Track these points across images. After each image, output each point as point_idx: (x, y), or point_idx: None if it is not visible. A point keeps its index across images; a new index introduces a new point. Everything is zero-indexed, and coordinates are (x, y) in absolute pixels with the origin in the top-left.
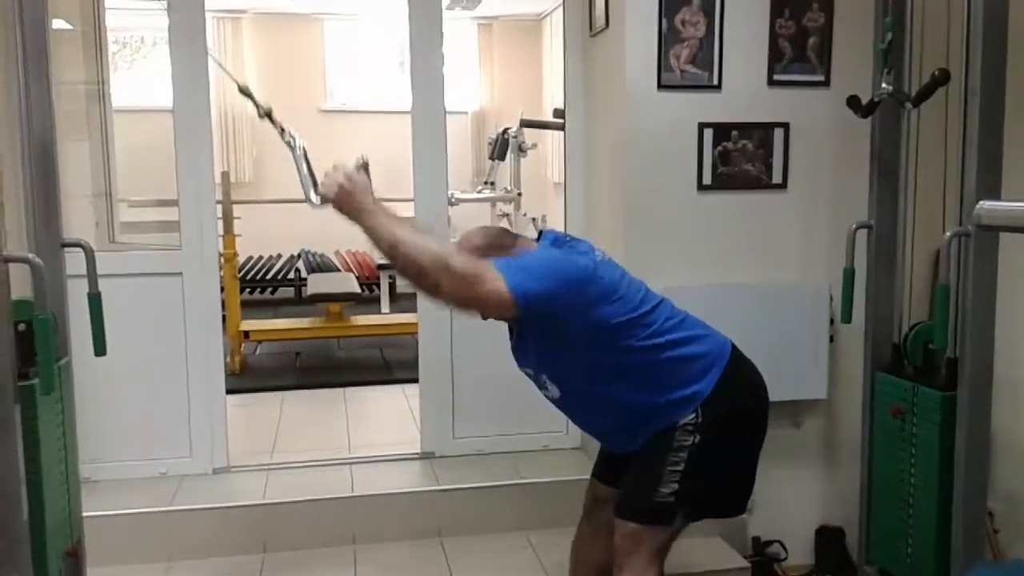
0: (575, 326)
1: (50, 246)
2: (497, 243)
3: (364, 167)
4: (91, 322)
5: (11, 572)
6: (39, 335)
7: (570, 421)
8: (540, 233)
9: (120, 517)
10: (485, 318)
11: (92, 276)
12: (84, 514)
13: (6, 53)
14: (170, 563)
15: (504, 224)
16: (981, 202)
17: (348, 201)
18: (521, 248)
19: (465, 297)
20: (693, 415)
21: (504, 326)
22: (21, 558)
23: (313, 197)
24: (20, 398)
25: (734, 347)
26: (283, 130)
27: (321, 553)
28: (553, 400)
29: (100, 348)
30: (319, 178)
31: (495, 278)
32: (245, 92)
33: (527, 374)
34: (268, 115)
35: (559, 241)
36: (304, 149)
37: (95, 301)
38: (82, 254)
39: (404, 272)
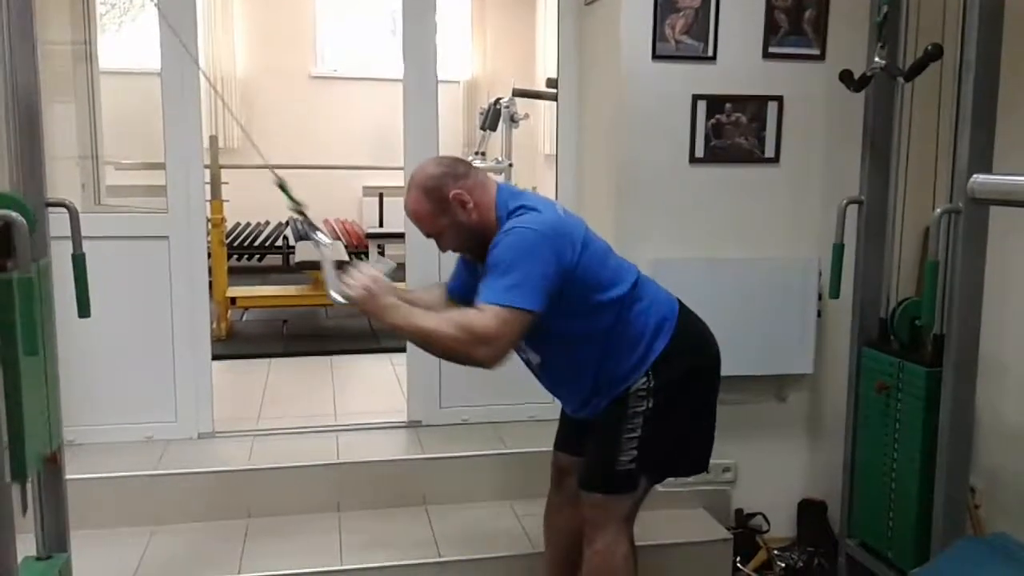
0: (558, 291)
1: (34, 206)
2: (452, 172)
3: (390, 272)
4: (75, 284)
5: None
6: (22, 297)
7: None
8: (499, 188)
9: (105, 480)
10: (445, 245)
11: (76, 237)
12: (69, 476)
13: None
14: (155, 527)
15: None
16: (975, 175)
17: (373, 303)
18: (475, 178)
19: (501, 349)
20: (644, 379)
21: None
22: (3, 523)
23: (337, 296)
24: None
25: (682, 306)
26: (314, 228)
27: (305, 519)
28: (531, 367)
29: (84, 310)
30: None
31: (511, 315)
32: (281, 187)
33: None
34: (301, 211)
35: (517, 210)
36: (332, 248)
37: (79, 262)
38: (67, 215)
39: (440, 356)
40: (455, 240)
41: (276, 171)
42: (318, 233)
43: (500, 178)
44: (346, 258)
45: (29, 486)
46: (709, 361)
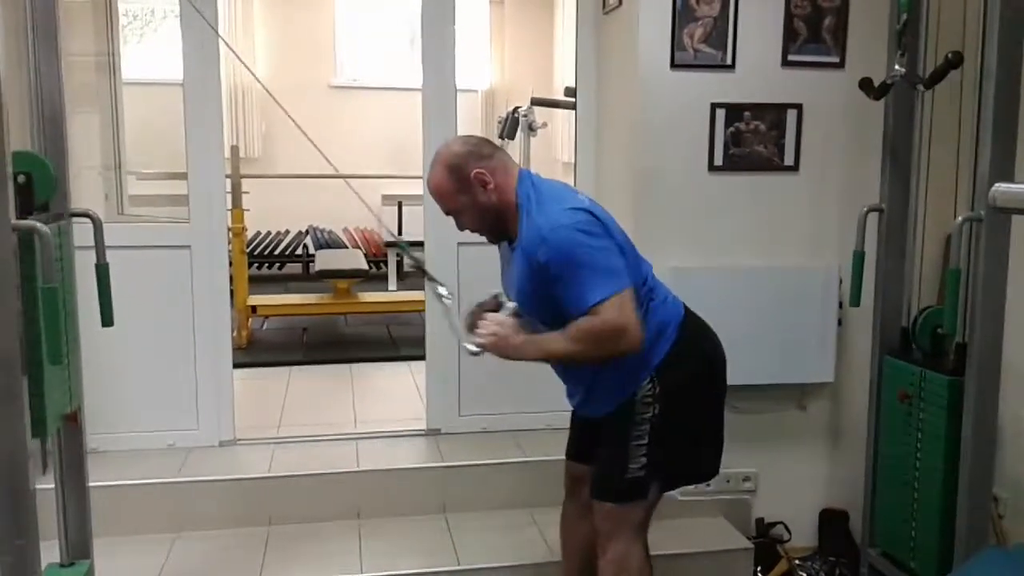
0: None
1: (58, 216)
2: (477, 152)
3: (514, 311)
4: (99, 293)
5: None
6: (46, 304)
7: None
8: (521, 174)
9: (127, 488)
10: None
11: (100, 246)
12: (92, 483)
13: (16, 24)
14: (177, 534)
15: None
16: (997, 184)
17: (505, 345)
18: (498, 160)
19: (632, 331)
20: (650, 384)
21: None
22: (30, 531)
23: (472, 348)
24: (19, 245)
25: (687, 310)
26: (437, 283)
27: (326, 527)
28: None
29: (107, 319)
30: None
31: (618, 301)
32: (402, 248)
33: None
34: (422, 268)
35: (536, 184)
36: (452, 302)
37: (103, 272)
38: (90, 225)
39: (591, 364)
40: (473, 220)
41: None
42: (441, 288)
43: None
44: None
45: (53, 484)
46: (714, 367)
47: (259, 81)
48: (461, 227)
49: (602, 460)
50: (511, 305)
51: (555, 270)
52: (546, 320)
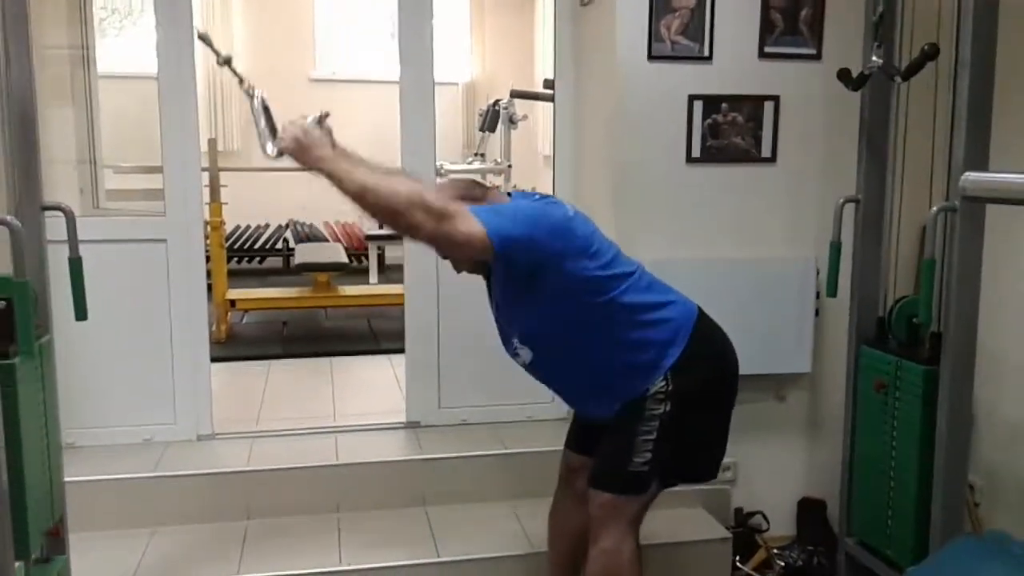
0: (549, 277)
1: (30, 210)
2: (468, 195)
3: (321, 119)
4: (72, 287)
5: None
6: (18, 301)
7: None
8: (510, 195)
9: (104, 483)
10: (460, 265)
11: (73, 240)
12: (68, 479)
13: None
14: (154, 529)
15: None
16: (967, 173)
17: (305, 153)
18: (492, 200)
19: (442, 233)
20: (663, 382)
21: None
22: (2, 537)
23: (269, 149)
24: (0, 376)
25: (701, 311)
26: (242, 80)
27: (305, 520)
28: (526, 366)
29: (81, 313)
30: (279, 130)
31: (472, 219)
32: (204, 39)
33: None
34: (227, 63)
35: (530, 197)
36: (263, 100)
37: (76, 266)
38: (63, 219)
39: (378, 215)
40: (467, 261)
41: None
42: (252, 87)
43: (499, 179)
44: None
45: None
46: (729, 368)
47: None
48: (458, 270)
49: (606, 450)
50: (320, 113)
51: None
52: (532, 323)
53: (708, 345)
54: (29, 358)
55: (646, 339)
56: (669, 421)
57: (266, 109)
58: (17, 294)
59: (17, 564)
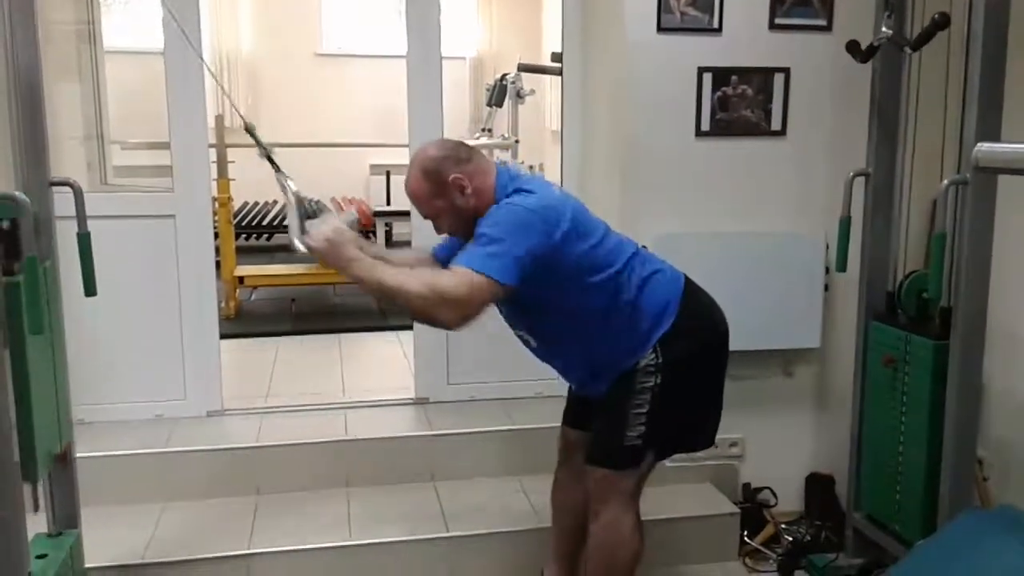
0: (547, 270)
1: (38, 185)
2: (454, 156)
3: (352, 223)
4: (81, 263)
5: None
6: (27, 275)
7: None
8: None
9: (115, 458)
10: (442, 228)
11: (81, 215)
12: (79, 455)
13: None
14: (165, 504)
15: None
16: (980, 144)
17: (334, 254)
18: (477, 164)
19: (468, 315)
20: (652, 355)
21: None
22: (14, 501)
23: (299, 244)
24: (5, 295)
25: (688, 280)
26: (279, 171)
27: (314, 496)
28: (531, 348)
29: (91, 289)
30: (308, 224)
31: (483, 283)
32: (250, 131)
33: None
34: (268, 156)
35: (517, 190)
36: (297, 195)
37: (84, 241)
38: (71, 194)
39: (407, 311)
40: (451, 223)
41: (244, 119)
42: (287, 180)
43: (507, 154)
44: (354, 219)
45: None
46: (718, 338)
47: (207, 67)
48: (439, 230)
49: (600, 426)
50: (353, 214)
51: (478, 228)
52: (533, 318)
53: (696, 315)
54: (37, 325)
55: (639, 312)
56: (660, 393)
57: (299, 203)
58: (27, 268)
59: (31, 538)
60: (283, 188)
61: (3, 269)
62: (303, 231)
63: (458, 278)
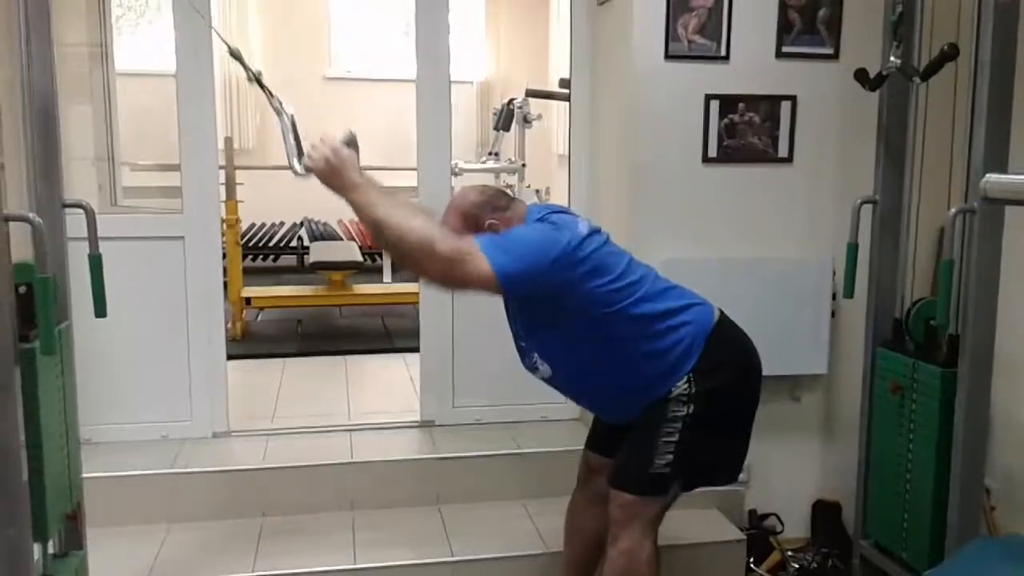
0: (562, 302)
1: (51, 206)
2: (493, 203)
3: (352, 141)
4: (91, 283)
5: (8, 532)
6: (39, 295)
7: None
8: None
9: (121, 479)
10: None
11: (93, 237)
12: (85, 475)
13: (8, 14)
14: (170, 525)
15: None
16: (988, 175)
17: (334, 175)
18: (515, 211)
19: (450, 277)
20: (686, 385)
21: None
22: (21, 520)
23: (297, 167)
24: (21, 361)
25: (722, 314)
26: (272, 95)
27: (319, 518)
28: (546, 380)
29: (100, 310)
30: (306, 148)
31: (479, 259)
32: (236, 56)
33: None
34: (258, 80)
35: (544, 216)
36: (292, 117)
37: (95, 262)
38: (83, 216)
39: (389, 250)
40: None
41: (228, 44)
42: (282, 103)
43: (513, 179)
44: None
45: None
46: (751, 372)
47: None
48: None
49: (628, 451)
50: (349, 132)
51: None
52: (548, 340)
53: (731, 348)
54: (49, 345)
55: (664, 346)
56: (692, 423)
57: (295, 126)
58: (39, 287)
59: (37, 558)
60: (277, 111)
61: (19, 336)
62: (300, 153)
63: (466, 244)
